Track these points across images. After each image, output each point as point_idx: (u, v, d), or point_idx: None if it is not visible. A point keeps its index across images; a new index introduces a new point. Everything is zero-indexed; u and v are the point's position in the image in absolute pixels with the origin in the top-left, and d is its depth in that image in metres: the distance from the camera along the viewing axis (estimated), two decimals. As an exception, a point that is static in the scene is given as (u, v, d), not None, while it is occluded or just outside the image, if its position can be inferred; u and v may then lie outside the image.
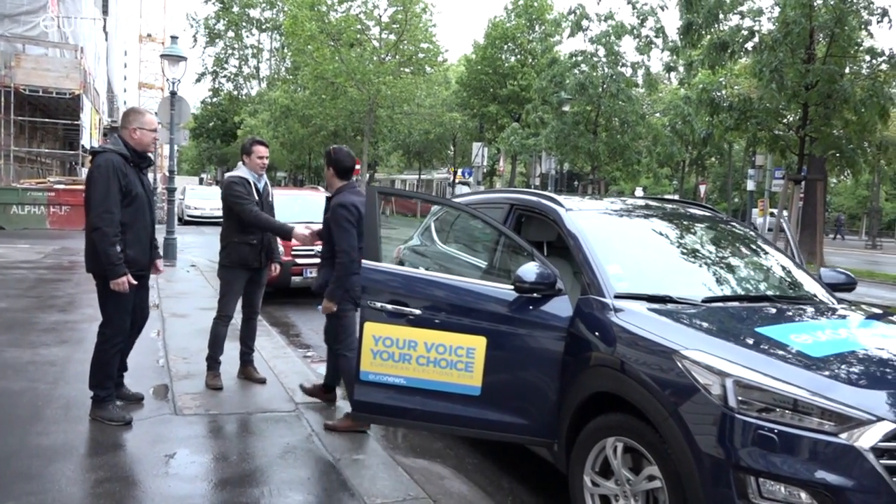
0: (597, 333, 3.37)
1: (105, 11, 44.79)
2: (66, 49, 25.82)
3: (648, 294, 3.51)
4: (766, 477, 2.59)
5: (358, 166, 33.03)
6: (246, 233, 5.16)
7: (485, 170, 34.06)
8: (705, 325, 3.20)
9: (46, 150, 29.91)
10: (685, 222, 4.47)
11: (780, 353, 2.92)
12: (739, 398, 2.68)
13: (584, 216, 4.10)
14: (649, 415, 2.94)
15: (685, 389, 2.83)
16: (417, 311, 3.64)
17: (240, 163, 5.42)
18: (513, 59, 36.62)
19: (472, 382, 3.58)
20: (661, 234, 4.24)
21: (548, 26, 28.73)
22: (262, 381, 5.43)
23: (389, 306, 3.65)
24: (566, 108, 19.14)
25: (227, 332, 5.39)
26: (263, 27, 55.86)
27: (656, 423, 2.90)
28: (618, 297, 3.47)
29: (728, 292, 3.79)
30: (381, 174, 54.64)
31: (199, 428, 4.39)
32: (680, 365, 2.88)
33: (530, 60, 34.89)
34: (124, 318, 4.48)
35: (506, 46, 36.57)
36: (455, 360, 3.59)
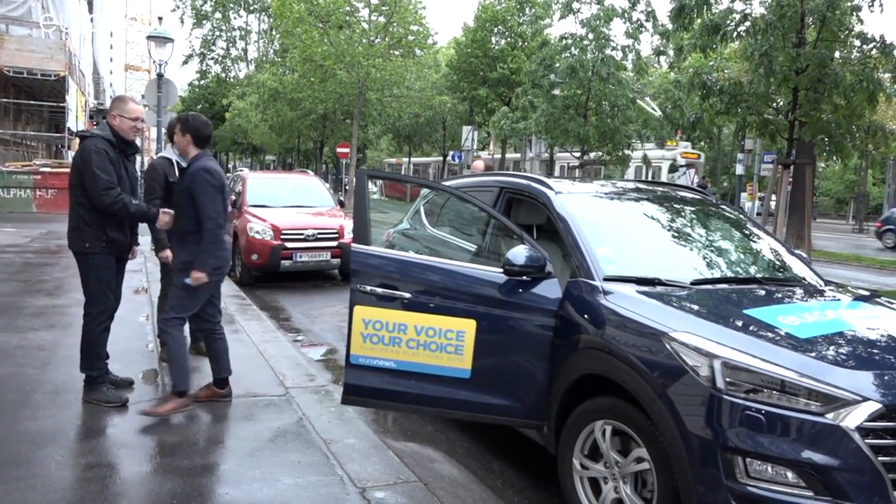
0: (586, 316, 3.38)
1: (90, -8, 44.10)
2: (51, 30, 25.46)
3: (638, 277, 3.52)
4: (753, 457, 2.62)
5: (346, 150, 32.94)
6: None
7: (475, 153, 33.91)
8: (694, 307, 3.21)
9: (32, 133, 29.54)
10: (675, 205, 4.48)
11: (768, 334, 2.94)
12: (727, 379, 2.70)
13: (573, 199, 4.10)
14: (638, 397, 2.96)
15: (673, 371, 2.85)
16: (407, 295, 3.64)
17: (169, 145, 5.50)
18: (503, 42, 36.42)
19: (462, 365, 3.59)
20: (650, 217, 4.25)
21: (538, 9, 28.51)
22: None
23: (379, 290, 3.64)
24: (556, 92, 19.08)
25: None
26: (251, 8, 55.35)
27: (645, 405, 2.92)
28: (607, 279, 3.48)
29: (717, 275, 3.80)
30: (391, 159, 54.00)
31: (189, 412, 4.38)
32: (668, 347, 2.89)
33: (520, 43, 34.71)
34: (108, 295, 4.57)
35: (496, 29, 36.35)
36: (445, 343, 3.59)
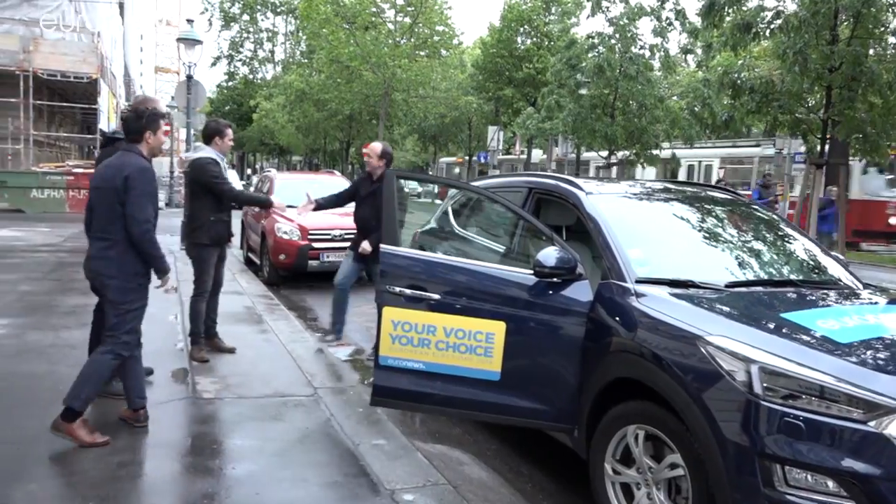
0: (618, 318, 3.33)
1: (121, -4, 44.82)
2: (83, 33, 25.89)
3: (670, 279, 3.46)
4: (792, 465, 2.55)
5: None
6: (220, 211, 5.46)
7: (500, 154, 33.81)
8: (729, 310, 3.14)
9: (65, 134, 30.06)
10: (706, 205, 4.40)
11: (807, 338, 2.87)
12: (765, 385, 2.64)
13: (604, 200, 4.05)
14: (672, 402, 2.90)
15: (709, 376, 2.79)
16: (436, 296, 3.62)
17: (202, 143, 5.74)
18: (529, 41, 36.23)
19: (491, 367, 3.57)
20: (682, 217, 4.18)
21: (565, 7, 28.35)
22: (231, 351, 5.75)
23: (408, 291, 3.63)
24: (583, 91, 18.94)
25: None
26: (278, 10, 55.79)
27: (679, 410, 2.86)
28: (639, 281, 3.42)
29: (751, 277, 3.73)
30: (450, 158, 53.26)
31: (217, 412, 4.41)
32: (704, 351, 2.84)
33: (546, 43, 34.52)
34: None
35: (522, 29, 36.17)
36: (475, 345, 3.57)
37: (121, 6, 41.69)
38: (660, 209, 4.25)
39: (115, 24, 36.81)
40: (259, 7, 55.99)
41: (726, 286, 3.48)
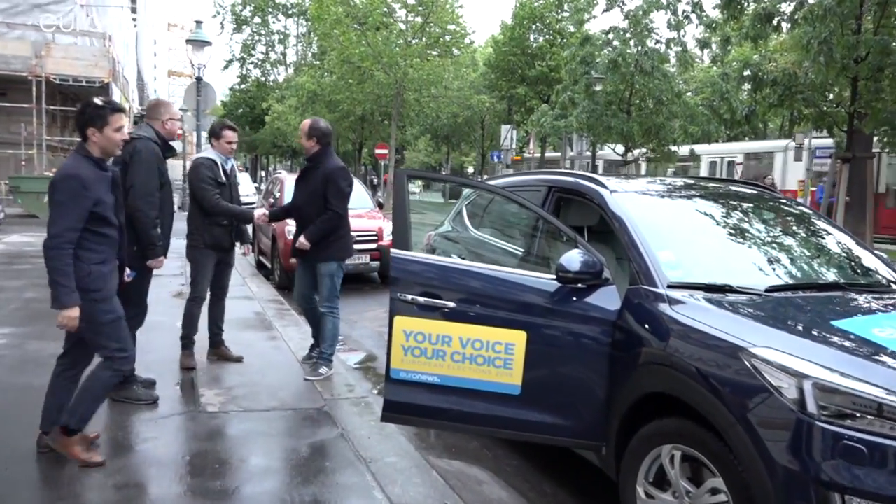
0: (648, 327, 3.06)
1: (133, 0, 44.96)
2: (95, 37, 25.90)
3: (705, 283, 3.19)
4: (852, 493, 2.27)
5: (385, 151, 32.83)
6: (214, 215, 5.20)
7: (514, 153, 33.50)
8: (774, 318, 2.87)
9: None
10: (737, 202, 4.12)
11: (864, 350, 2.58)
12: (819, 403, 2.36)
13: (629, 198, 3.77)
14: (712, 420, 2.63)
15: (754, 392, 2.51)
16: (451, 304, 3.36)
17: (208, 145, 5.48)
18: (541, 39, 35.93)
19: (511, 381, 3.31)
20: (712, 216, 3.90)
21: (578, 3, 28.00)
22: (239, 360, 5.50)
23: (421, 299, 3.38)
24: (598, 88, 18.59)
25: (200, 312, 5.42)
26: (289, 12, 55.68)
27: (721, 430, 2.59)
28: (671, 286, 3.15)
29: (793, 280, 3.44)
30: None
31: (222, 427, 4.18)
32: (748, 364, 2.56)
33: (559, 40, 34.18)
34: (139, 297, 4.55)
35: (534, 26, 35.87)
36: (493, 357, 3.31)
37: (133, 10, 41.79)
38: (689, 207, 3.97)
39: (127, 28, 36.91)
40: (270, 10, 55.94)
41: (767, 291, 3.19)
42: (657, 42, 18.32)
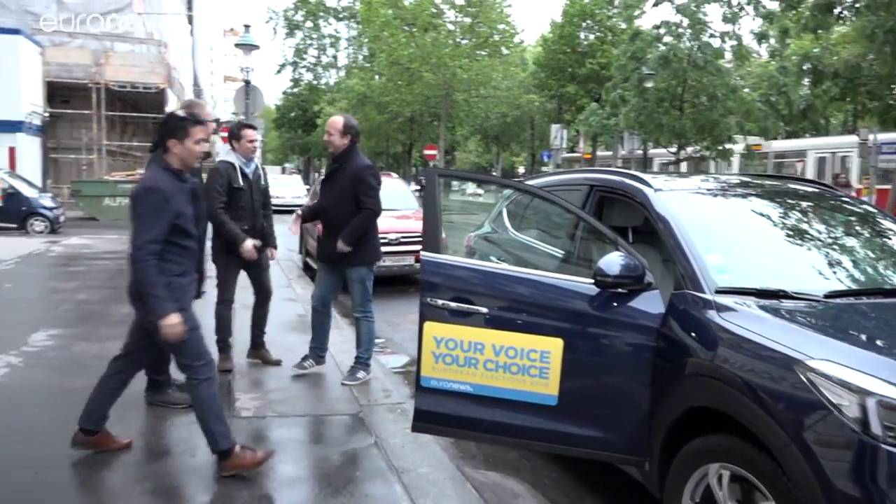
0: (694, 335, 2.85)
1: (189, 7, 46.10)
2: (151, 45, 26.62)
3: (757, 288, 2.96)
4: (922, 525, 2.04)
5: (434, 152, 32.84)
6: (235, 219, 5.08)
7: (564, 152, 33.08)
8: (833, 327, 2.63)
9: (137, 144, 31.00)
10: (792, 200, 3.85)
11: (936, 364, 2.33)
12: (885, 423, 2.13)
13: (675, 197, 3.55)
14: (764, 439, 2.41)
15: (811, 410, 2.29)
16: (484, 310, 3.21)
17: (229, 147, 5.32)
18: (591, 36, 35.40)
19: (547, 391, 3.14)
20: (765, 215, 3.64)
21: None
22: (277, 363, 5.43)
23: (452, 304, 3.23)
24: (649, 85, 18.11)
25: (232, 315, 5.38)
26: (340, 16, 56.28)
27: (774, 449, 2.37)
28: (719, 291, 2.93)
29: (855, 285, 3.18)
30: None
31: (256, 432, 4.12)
32: (803, 378, 2.34)
33: (610, 37, 33.62)
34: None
35: (584, 24, 35.37)
36: (528, 365, 3.15)
37: (190, 18, 42.87)
38: (739, 206, 3.72)
39: (183, 35, 37.82)
40: (321, 14, 56.63)
41: (825, 297, 2.94)
42: (711, 35, 17.74)
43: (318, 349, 5.29)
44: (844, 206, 3.93)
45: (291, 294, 8.77)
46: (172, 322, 3.29)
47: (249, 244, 5.05)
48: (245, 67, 13.39)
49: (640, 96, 18.27)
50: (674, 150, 19.49)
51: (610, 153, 31.65)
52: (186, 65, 39.51)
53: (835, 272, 3.23)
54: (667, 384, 2.91)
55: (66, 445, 3.68)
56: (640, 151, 24.04)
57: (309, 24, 56.98)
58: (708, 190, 3.90)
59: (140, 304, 3.43)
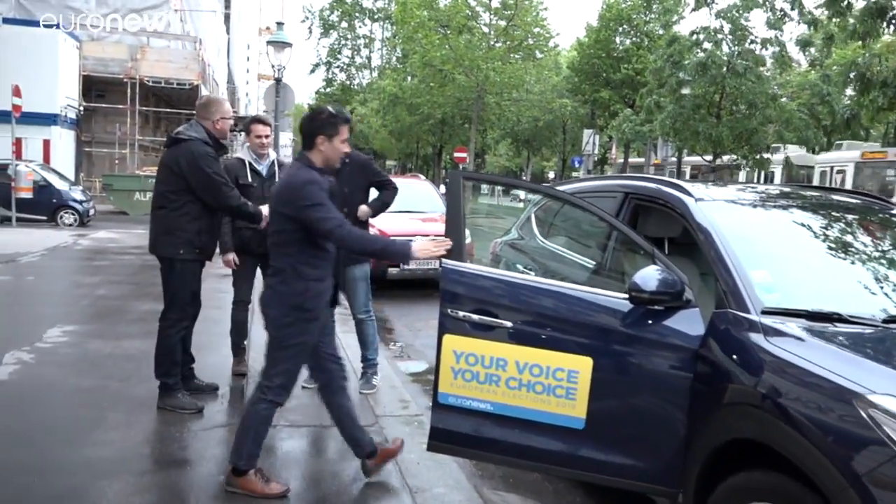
0: (738, 360, 2.60)
1: (227, 6, 46.53)
2: (187, 41, 26.84)
3: (808, 310, 2.69)
4: None
5: (464, 154, 32.64)
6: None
7: (595, 158, 32.66)
8: (896, 357, 2.36)
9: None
10: (843, 215, 3.57)
11: None
12: (960, 471, 1.87)
13: (718, 207, 3.30)
14: (818, 481, 2.15)
15: (872, 450, 2.03)
16: (508, 324, 2.99)
17: (246, 144, 5.13)
18: (627, 41, 34.92)
19: (574, 413, 2.90)
20: (813, 229, 3.37)
21: (667, 4, 26.98)
22: None
23: (474, 316, 3.01)
24: (685, 91, 17.68)
25: (248, 317, 5.18)
26: (375, 17, 56.44)
27: (828, 493, 2.11)
28: (766, 312, 2.68)
29: (917, 310, 2.89)
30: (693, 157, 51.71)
31: (267, 443, 3.86)
32: (864, 414, 2.08)
33: (646, 43, 33.14)
34: (190, 302, 4.40)
35: (620, 28, 34.91)
36: (554, 385, 2.92)
37: (227, 16, 43.22)
38: (787, 219, 3.44)
39: (219, 33, 38.15)
40: (357, 14, 56.85)
41: (885, 322, 2.67)
42: (752, 42, 17.25)
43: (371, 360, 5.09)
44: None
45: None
46: (423, 247, 3.20)
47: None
48: (277, 65, 13.31)
49: (676, 103, 17.85)
50: (709, 158, 19.02)
51: (642, 160, 31.18)
52: (221, 62, 39.89)
53: (891, 294, 2.95)
54: (705, 411, 2.66)
55: (68, 449, 3.53)
56: (674, 158, 23.58)
57: (344, 24, 57.23)
58: (752, 200, 3.63)
59: (266, 316, 3.28)
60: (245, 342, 5.22)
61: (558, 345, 2.92)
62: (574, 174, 30.80)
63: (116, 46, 25.12)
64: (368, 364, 4.99)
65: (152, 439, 3.87)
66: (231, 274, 5.14)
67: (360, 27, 57.82)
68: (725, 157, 19.00)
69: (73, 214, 16.39)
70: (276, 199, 3.26)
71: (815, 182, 21.50)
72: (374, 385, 4.90)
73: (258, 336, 5.49)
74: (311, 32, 57.44)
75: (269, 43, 13.88)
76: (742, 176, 21.00)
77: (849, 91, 12.63)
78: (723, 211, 3.27)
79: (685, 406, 2.75)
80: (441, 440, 3.10)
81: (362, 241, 3.31)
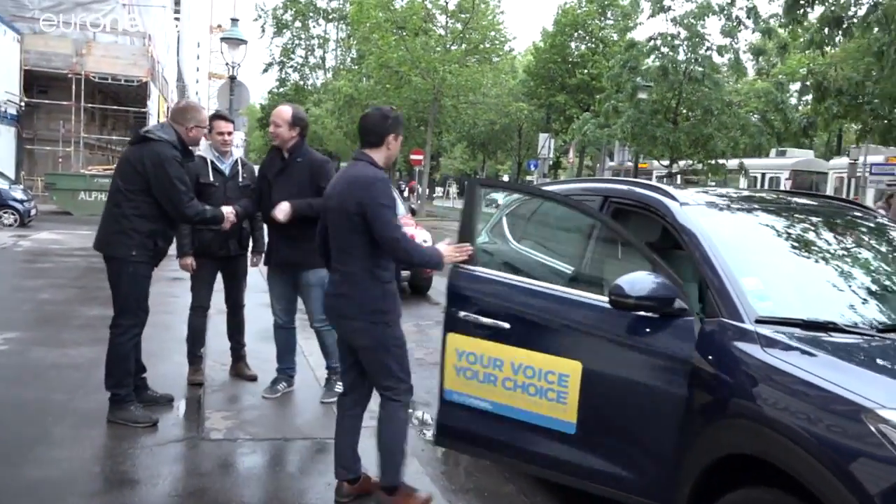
0: (733, 372, 2.49)
1: (177, 2, 45.41)
2: (135, 37, 26.03)
3: (803, 319, 2.61)
4: None
5: (420, 157, 32.46)
6: None
7: (550, 162, 32.85)
8: (900, 368, 2.28)
9: (116, 138, 30.31)
10: (833, 220, 3.51)
11: None
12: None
13: (703, 212, 3.22)
14: (824, 499, 2.05)
15: (885, 467, 1.94)
16: (505, 325, 2.93)
17: (207, 142, 4.80)
18: (583, 47, 35.28)
19: (565, 417, 2.85)
20: (803, 236, 3.31)
21: (622, 9, 27.30)
22: (253, 379, 4.95)
23: (474, 316, 3.06)
24: (643, 96, 17.86)
25: (206, 323, 4.92)
26: (330, 17, 55.81)
27: (836, 512, 2.01)
28: (760, 321, 2.58)
29: (909, 318, 2.83)
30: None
31: (226, 458, 3.69)
32: (874, 430, 1.99)
33: (601, 48, 33.52)
34: (143, 307, 4.12)
35: (576, 34, 35.24)
36: (545, 388, 2.91)
37: (176, 13, 42.14)
38: (775, 225, 3.36)
39: (169, 29, 37.17)
40: (311, 14, 56.14)
41: (881, 331, 2.60)
42: (708, 49, 17.52)
43: (288, 369, 4.85)
44: (889, 228, 3.59)
45: (268, 299, 8.28)
46: (449, 252, 3.16)
47: (228, 209, 4.39)
48: (231, 62, 12.94)
49: (634, 108, 18.01)
50: (666, 163, 19.25)
51: (613, 164, 31.36)
52: (171, 60, 38.89)
53: (885, 303, 2.89)
54: (700, 424, 2.55)
55: (9, 469, 3.24)
56: (629, 163, 23.84)
57: (298, 23, 56.46)
58: (737, 206, 3.55)
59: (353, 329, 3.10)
60: (202, 350, 4.94)
61: (549, 347, 2.91)
62: (528, 178, 30.92)
63: (61, 41, 24.19)
64: (332, 371, 4.74)
65: (102, 456, 3.58)
66: (189, 278, 4.87)
67: (314, 27, 57.13)
68: (682, 163, 19.25)
69: (13, 215, 15.66)
70: (344, 197, 3.04)
71: (829, 190, 21.87)
72: (337, 392, 4.65)
73: (216, 344, 5.25)
74: (263, 31, 56.50)
75: (223, 40, 13.50)
76: (742, 182, 21.16)
77: (804, 98, 12.88)
78: (709, 216, 3.19)
79: (677, 418, 2.63)
80: (447, 436, 3.20)
81: (418, 251, 3.14)
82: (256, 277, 9.61)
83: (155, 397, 4.39)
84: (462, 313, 3.11)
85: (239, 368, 5.09)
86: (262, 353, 5.56)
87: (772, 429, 2.26)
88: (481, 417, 3.10)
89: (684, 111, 18.12)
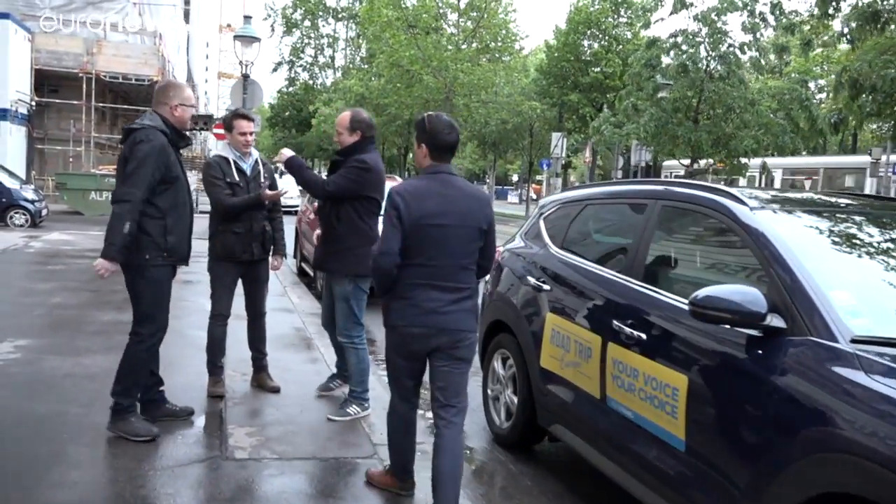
0: (832, 400, 2.22)
1: (186, 2, 45.35)
2: (146, 36, 25.87)
3: (905, 339, 2.33)
4: None
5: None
6: (229, 221, 4.43)
7: (563, 161, 32.47)
8: None
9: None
10: None
11: None
12: None
13: (777, 218, 2.94)
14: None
15: None
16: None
17: (225, 141, 4.67)
18: (596, 45, 34.90)
19: (674, 432, 2.63)
20: (888, 243, 3.02)
21: (638, 6, 26.92)
22: (276, 391, 4.72)
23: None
24: (664, 94, 17.49)
25: (226, 332, 4.66)
26: (339, 16, 55.67)
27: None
28: (856, 341, 2.31)
29: None
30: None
31: (251, 482, 3.42)
32: None
33: (615, 47, 33.14)
34: (164, 314, 3.90)
35: (589, 32, 34.86)
36: (661, 399, 2.68)
37: (186, 12, 42.09)
38: (856, 231, 3.08)
39: (179, 28, 37.09)
40: (321, 13, 55.98)
41: None
42: (730, 46, 17.15)
43: (344, 369, 4.66)
44: None
45: (287, 303, 8.10)
46: None
47: (268, 191, 4.50)
48: (244, 61, 12.72)
49: (656, 106, 17.64)
50: (686, 162, 18.89)
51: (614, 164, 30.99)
52: (181, 59, 38.78)
53: None
54: (791, 456, 2.27)
55: (21, 493, 3.00)
56: (643, 163, 23.47)
57: (307, 23, 56.33)
58: (811, 209, 3.26)
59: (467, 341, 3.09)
60: (223, 360, 4.69)
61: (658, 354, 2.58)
62: (540, 177, 30.57)
63: (71, 40, 24.04)
64: (352, 394, 4.44)
65: (122, 480, 3.32)
66: (209, 283, 4.63)
67: (323, 26, 56.98)
68: (703, 162, 18.89)
69: (24, 215, 15.47)
70: (473, 214, 3.03)
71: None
72: (348, 414, 4.35)
73: (235, 351, 5.00)
74: (273, 31, 56.40)
75: (236, 37, 13.29)
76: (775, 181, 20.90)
77: (820, 96, 12.54)
78: (784, 222, 2.91)
79: (762, 448, 2.37)
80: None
81: None
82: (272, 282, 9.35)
83: (174, 411, 4.15)
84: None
85: (261, 379, 4.84)
86: (281, 362, 5.33)
87: (882, 466, 1.98)
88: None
89: (706, 109, 17.73)
